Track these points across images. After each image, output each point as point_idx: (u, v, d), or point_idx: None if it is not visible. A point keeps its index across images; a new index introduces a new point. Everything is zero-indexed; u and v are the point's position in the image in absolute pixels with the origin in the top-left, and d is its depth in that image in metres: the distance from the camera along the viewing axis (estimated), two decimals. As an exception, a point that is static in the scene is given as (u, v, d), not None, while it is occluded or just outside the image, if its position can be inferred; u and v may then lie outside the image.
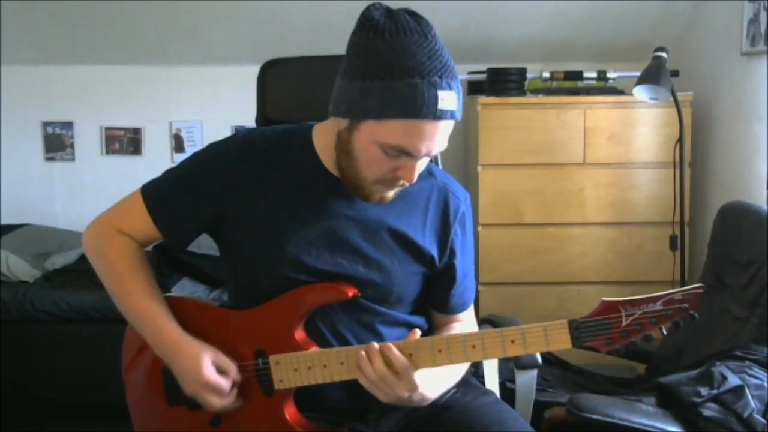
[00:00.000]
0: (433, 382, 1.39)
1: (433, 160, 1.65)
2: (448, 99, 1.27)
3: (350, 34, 1.31)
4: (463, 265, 1.55)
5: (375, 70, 1.26)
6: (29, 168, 3.90)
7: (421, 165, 1.36)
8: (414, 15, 1.30)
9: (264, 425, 1.45)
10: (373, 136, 1.30)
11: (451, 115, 1.29)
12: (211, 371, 1.41)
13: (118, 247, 1.51)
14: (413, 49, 1.25)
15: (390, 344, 1.33)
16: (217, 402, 1.42)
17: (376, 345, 1.33)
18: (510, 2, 3.39)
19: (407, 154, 1.30)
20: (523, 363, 1.89)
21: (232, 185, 1.44)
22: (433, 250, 1.50)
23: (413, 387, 1.33)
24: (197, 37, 3.65)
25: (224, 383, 1.41)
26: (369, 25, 1.28)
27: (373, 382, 1.33)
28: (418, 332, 1.37)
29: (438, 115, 1.26)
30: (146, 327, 1.48)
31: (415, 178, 1.36)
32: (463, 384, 1.54)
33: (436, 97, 1.25)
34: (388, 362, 1.32)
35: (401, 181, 1.36)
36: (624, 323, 1.26)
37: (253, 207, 1.44)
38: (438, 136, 1.30)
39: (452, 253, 1.52)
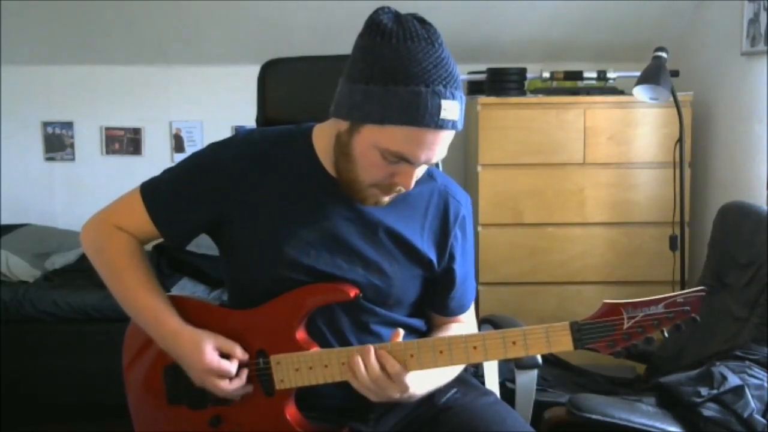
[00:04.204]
0: (423, 380, 1.39)
1: (433, 163, 1.65)
2: (451, 109, 1.26)
3: (357, 36, 1.30)
4: (463, 268, 1.54)
5: (379, 75, 1.25)
6: (29, 168, 3.89)
7: (419, 172, 1.36)
8: (422, 22, 1.29)
9: (265, 425, 1.45)
10: (373, 140, 1.29)
11: (453, 125, 1.28)
12: (212, 356, 1.41)
13: (117, 243, 1.51)
14: (419, 57, 1.25)
15: (384, 351, 1.34)
16: (225, 386, 1.41)
17: (372, 351, 1.33)
18: (510, 2, 3.39)
19: (406, 160, 1.30)
20: (523, 363, 1.89)
21: (231, 186, 1.44)
22: (432, 254, 1.49)
23: (405, 388, 1.35)
24: (197, 37, 3.64)
25: (228, 365, 1.41)
26: (377, 29, 1.27)
27: (366, 386, 1.34)
28: (401, 332, 1.37)
29: (440, 125, 1.26)
30: (147, 321, 1.48)
31: (412, 185, 1.35)
32: (463, 384, 1.54)
33: (439, 106, 1.25)
34: (382, 366, 1.33)
35: (398, 187, 1.36)
36: (626, 325, 1.26)
37: (252, 208, 1.44)
38: (438, 145, 1.30)
39: (452, 257, 1.52)
